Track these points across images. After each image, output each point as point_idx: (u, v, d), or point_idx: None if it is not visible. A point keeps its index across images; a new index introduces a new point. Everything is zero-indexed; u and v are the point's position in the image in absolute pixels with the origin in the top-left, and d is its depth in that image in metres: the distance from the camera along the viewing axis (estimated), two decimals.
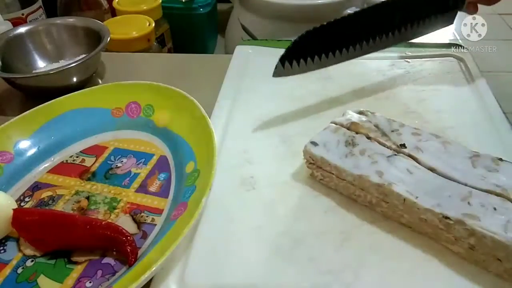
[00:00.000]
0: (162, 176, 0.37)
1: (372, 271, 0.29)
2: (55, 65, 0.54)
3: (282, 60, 0.30)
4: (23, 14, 0.64)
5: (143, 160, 0.39)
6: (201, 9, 0.82)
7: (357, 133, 0.35)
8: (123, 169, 0.39)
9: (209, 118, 0.36)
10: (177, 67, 0.58)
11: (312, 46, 0.30)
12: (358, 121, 0.36)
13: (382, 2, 0.34)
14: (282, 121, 0.42)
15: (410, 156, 0.33)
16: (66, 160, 0.40)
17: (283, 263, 0.30)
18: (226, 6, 0.90)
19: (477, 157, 0.32)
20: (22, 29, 0.54)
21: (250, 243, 0.31)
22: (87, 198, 0.36)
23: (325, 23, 0.31)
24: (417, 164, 0.32)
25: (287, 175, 0.37)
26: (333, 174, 0.34)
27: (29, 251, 0.32)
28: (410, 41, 0.41)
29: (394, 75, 0.40)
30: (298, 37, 0.30)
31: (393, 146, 0.34)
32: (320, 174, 0.35)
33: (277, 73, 0.31)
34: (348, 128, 0.36)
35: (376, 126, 0.36)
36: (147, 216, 0.34)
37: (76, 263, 0.31)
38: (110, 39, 0.52)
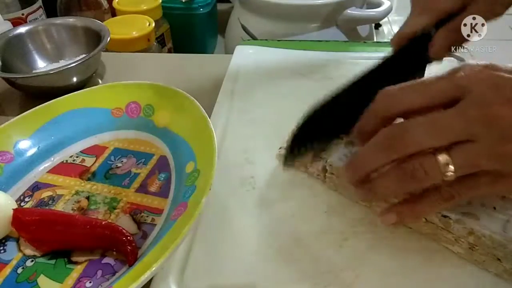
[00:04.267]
0: (162, 176, 0.37)
1: (372, 271, 0.29)
2: (55, 65, 0.54)
3: (289, 150, 0.31)
4: (23, 14, 0.64)
5: (143, 160, 0.39)
6: (201, 9, 0.82)
7: None
8: (123, 169, 0.39)
9: (209, 118, 0.36)
10: (177, 67, 0.58)
11: (311, 134, 0.32)
12: None
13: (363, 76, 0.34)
14: (283, 121, 0.42)
15: None
16: (66, 160, 0.40)
17: (283, 263, 0.30)
18: (226, 6, 0.90)
19: None
20: (22, 29, 0.54)
21: (250, 243, 0.31)
22: (87, 198, 0.36)
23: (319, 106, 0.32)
24: None
25: (287, 175, 0.37)
26: (333, 174, 0.34)
27: (29, 251, 0.32)
28: None
29: None
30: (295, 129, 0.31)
31: None
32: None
33: (287, 165, 0.32)
34: None
35: None
36: (147, 216, 0.34)
37: (76, 263, 0.31)
38: (110, 39, 0.52)
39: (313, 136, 0.32)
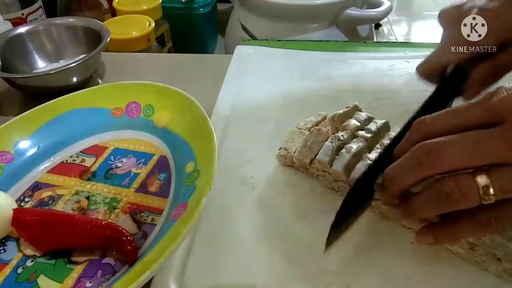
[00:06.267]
0: (162, 176, 0.37)
1: (372, 271, 0.29)
2: (55, 65, 0.54)
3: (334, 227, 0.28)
4: (23, 14, 0.64)
5: (143, 160, 0.39)
6: (201, 9, 0.82)
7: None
8: (123, 169, 0.39)
9: (209, 118, 0.36)
10: (177, 67, 0.58)
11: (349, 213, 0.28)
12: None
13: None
14: (283, 121, 0.42)
15: None
16: (66, 160, 0.40)
17: (283, 263, 0.30)
18: (226, 6, 0.90)
19: None
20: (22, 29, 0.54)
21: (250, 243, 0.31)
22: (87, 198, 0.36)
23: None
24: None
25: (287, 175, 0.37)
26: (325, 172, 0.34)
27: (29, 251, 0.32)
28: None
29: (394, 75, 0.40)
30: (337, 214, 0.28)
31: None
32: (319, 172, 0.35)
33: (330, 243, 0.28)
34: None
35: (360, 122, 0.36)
36: (147, 216, 0.34)
37: (76, 263, 0.31)
38: (110, 39, 0.52)
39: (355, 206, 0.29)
